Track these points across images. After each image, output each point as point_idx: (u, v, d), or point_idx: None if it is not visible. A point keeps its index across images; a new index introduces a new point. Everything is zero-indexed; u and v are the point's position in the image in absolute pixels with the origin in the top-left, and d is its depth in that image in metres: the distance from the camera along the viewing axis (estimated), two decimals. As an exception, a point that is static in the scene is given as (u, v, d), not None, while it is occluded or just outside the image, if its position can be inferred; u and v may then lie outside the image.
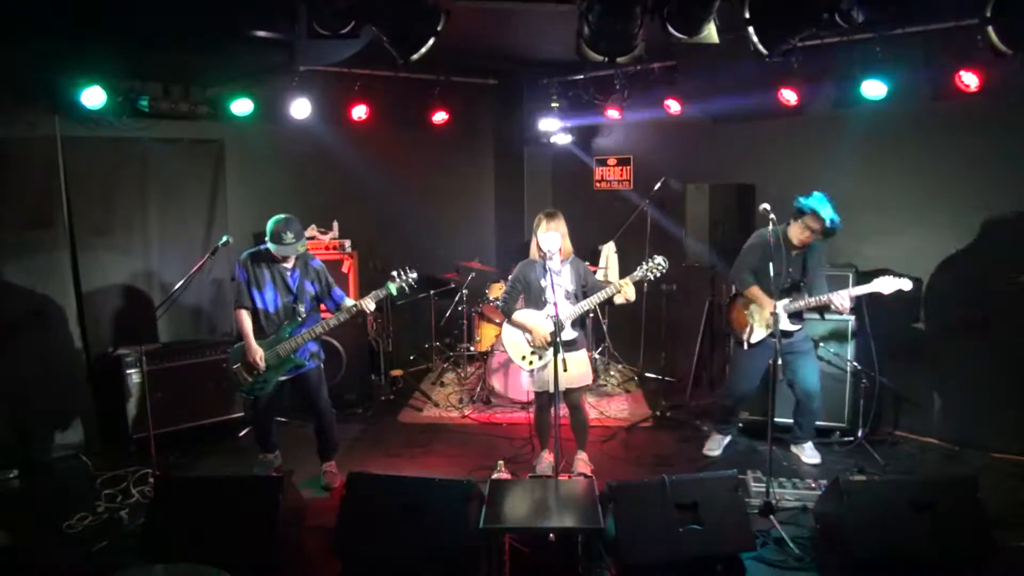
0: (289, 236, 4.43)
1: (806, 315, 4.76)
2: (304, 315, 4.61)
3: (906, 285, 4.51)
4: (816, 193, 4.58)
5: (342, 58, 5.86)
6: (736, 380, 5.08)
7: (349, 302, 4.63)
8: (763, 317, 4.77)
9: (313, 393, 4.76)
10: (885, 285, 4.51)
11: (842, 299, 4.49)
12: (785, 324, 4.62)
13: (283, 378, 4.66)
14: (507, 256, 7.39)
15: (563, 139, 7.42)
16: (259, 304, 4.58)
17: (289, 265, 4.60)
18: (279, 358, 4.55)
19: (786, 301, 4.59)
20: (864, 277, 5.34)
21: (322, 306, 4.79)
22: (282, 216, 4.50)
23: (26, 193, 5.16)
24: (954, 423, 5.28)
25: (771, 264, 4.37)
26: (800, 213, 4.60)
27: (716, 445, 5.20)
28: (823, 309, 4.64)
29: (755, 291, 4.74)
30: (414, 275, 4.62)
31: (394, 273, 4.62)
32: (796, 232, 4.64)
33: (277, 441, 5.06)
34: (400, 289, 4.60)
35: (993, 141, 4.95)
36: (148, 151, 5.65)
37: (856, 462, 4.95)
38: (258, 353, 4.50)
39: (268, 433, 4.95)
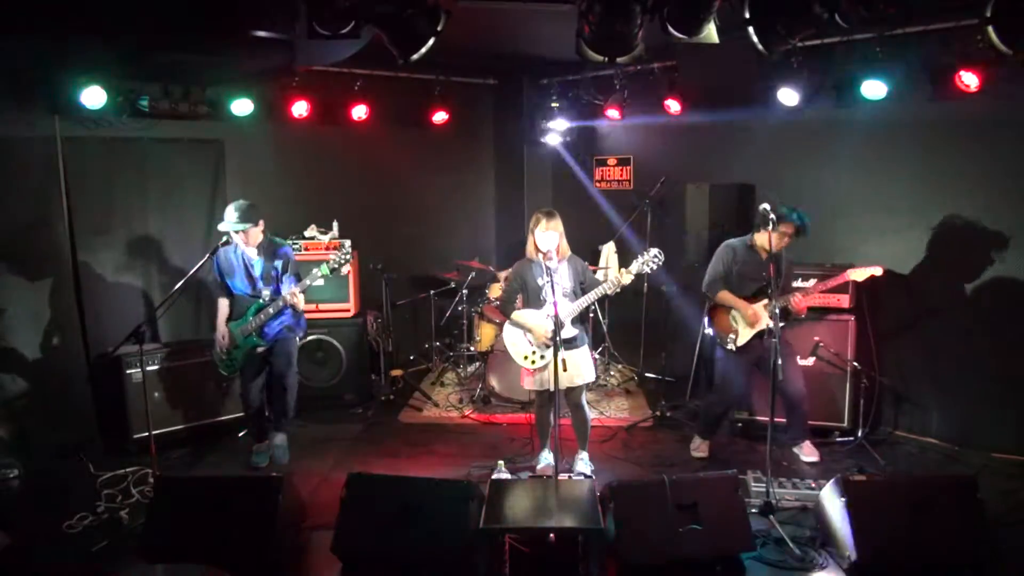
0: (232, 214, 4.73)
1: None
2: (268, 299, 4.86)
3: (877, 271, 4.70)
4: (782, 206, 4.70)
5: (342, 58, 5.86)
6: (725, 385, 5.10)
7: (285, 292, 4.80)
8: (746, 320, 4.84)
9: (280, 358, 5.03)
10: (857, 274, 4.69)
11: (797, 301, 4.67)
12: (766, 323, 4.77)
13: (260, 349, 4.95)
14: (507, 256, 7.39)
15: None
16: (233, 291, 4.97)
17: (253, 253, 4.90)
18: (241, 337, 4.89)
19: (764, 301, 4.73)
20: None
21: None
22: (241, 200, 4.83)
23: (26, 193, 5.16)
24: (954, 423, 5.28)
25: (741, 270, 4.78)
26: (775, 221, 4.47)
27: (704, 447, 5.20)
28: (785, 312, 4.70)
29: (725, 295, 4.89)
30: (347, 255, 4.80)
31: (331, 255, 4.81)
32: (768, 239, 4.50)
33: (268, 430, 5.24)
34: (333, 269, 4.79)
35: (993, 141, 4.95)
36: (148, 151, 5.65)
37: (856, 462, 4.95)
38: (221, 332, 4.94)
39: (258, 419, 5.15)
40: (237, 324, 4.90)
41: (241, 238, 4.79)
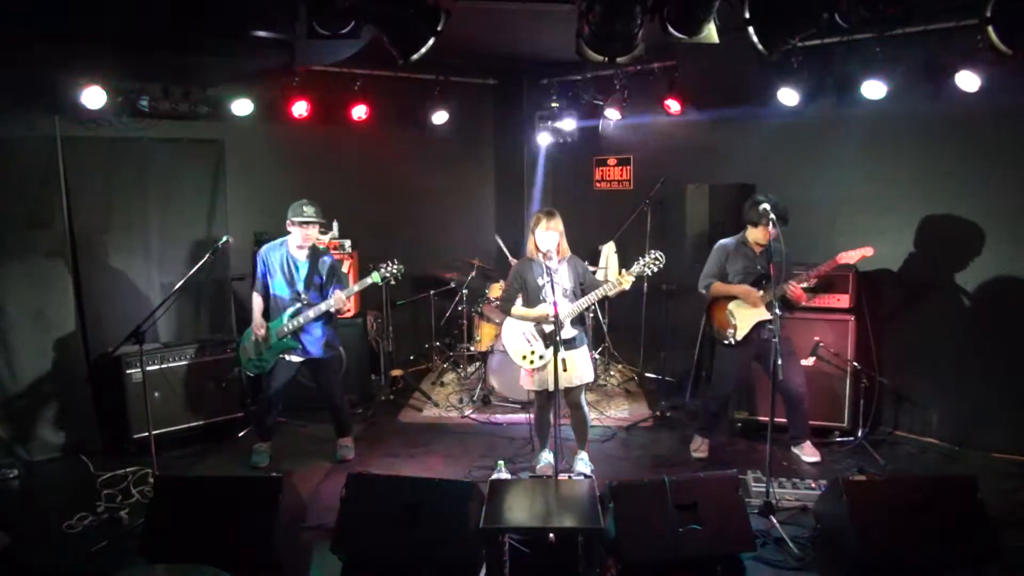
0: (309, 208, 4.80)
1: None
2: (306, 303, 4.86)
3: (869, 251, 4.70)
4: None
5: (342, 58, 5.85)
6: (720, 382, 5.11)
7: (331, 298, 4.83)
8: (742, 312, 4.84)
9: (326, 380, 5.14)
10: (850, 256, 4.70)
11: (793, 287, 4.67)
12: (762, 314, 4.76)
13: (295, 359, 4.96)
14: (506, 257, 7.39)
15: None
16: (271, 291, 4.97)
17: (300, 257, 4.92)
18: (275, 339, 4.90)
19: (761, 293, 4.76)
20: (864, 276, 5.36)
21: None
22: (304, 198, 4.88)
23: (26, 193, 5.16)
24: (954, 423, 5.28)
25: (736, 267, 4.81)
26: (759, 218, 4.72)
27: (704, 447, 5.21)
28: (788, 305, 4.72)
29: (718, 286, 4.92)
30: (400, 267, 4.91)
31: (381, 265, 4.91)
32: (758, 235, 4.81)
33: (273, 430, 5.27)
34: (384, 279, 4.87)
35: (993, 141, 4.95)
36: (148, 151, 5.65)
37: (856, 462, 4.95)
38: (258, 323, 4.94)
39: (269, 419, 5.16)
40: (274, 325, 4.91)
41: (302, 234, 4.81)
